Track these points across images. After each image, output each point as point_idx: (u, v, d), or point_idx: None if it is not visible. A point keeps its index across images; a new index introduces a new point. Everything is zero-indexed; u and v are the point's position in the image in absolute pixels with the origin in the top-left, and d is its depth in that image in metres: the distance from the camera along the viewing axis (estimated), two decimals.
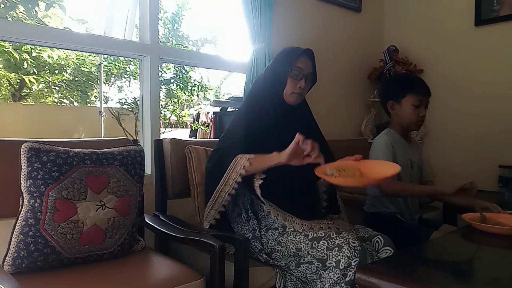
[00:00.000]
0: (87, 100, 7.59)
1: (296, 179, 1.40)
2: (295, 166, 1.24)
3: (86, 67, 6.86)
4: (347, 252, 1.21)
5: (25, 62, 6.15)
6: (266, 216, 1.42)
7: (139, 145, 1.46)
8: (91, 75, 6.95)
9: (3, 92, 6.68)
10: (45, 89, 7.18)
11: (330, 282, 1.22)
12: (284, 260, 1.35)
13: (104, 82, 6.51)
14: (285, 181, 1.38)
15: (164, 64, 5.58)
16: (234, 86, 8.64)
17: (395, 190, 1.66)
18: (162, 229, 1.42)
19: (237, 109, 2.74)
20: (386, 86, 1.90)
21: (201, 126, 6.17)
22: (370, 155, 1.79)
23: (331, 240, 1.26)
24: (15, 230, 1.14)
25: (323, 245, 1.26)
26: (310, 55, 1.46)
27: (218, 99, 4.06)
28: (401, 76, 1.85)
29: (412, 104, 1.74)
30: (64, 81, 6.99)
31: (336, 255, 1.22)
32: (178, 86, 6.98)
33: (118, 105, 6.40)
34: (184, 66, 6.62)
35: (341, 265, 1.20)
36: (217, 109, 3.10)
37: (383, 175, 1.20)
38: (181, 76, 6.96)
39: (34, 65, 6.36)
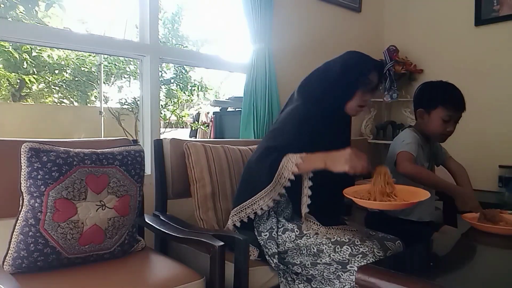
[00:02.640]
0: (87, 100, 7.60)
1: (333, 184, 1.33)
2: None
3: (86, 67, 6.87)
4: (372, 260, 1.21)
5: (25, 62, 6.15)
6: (284, 211, 1.39)
7: (139, 145, 1.46)
8: (91, 75, 6.96)
9: (3, 92, 6.68)
10: (45, 89, 7.18)
11: (351, 284, 1.21)
12: (299, 258, 1.33)
13: (104, 82, 6.52)
14: (323, 187, 1.33)
15: (164, 64, 5.58)
16: (234, 86, 8.64)
17: (411, 171, 1.58)
18: (162, 229, 1.42)
19: (237, 109, 2.74)
20: (420, 92, 1.79)
21: (201, 126, 6.17)
22: (393, 146, 1.74)
23: (355, 247, 1.25)
24: (15, 230, 1.14)
25: (347, 250, 1.25)
26: (382, 67, 1.44)
27: (218, 99, 4.06)
28: (438, 85, 1.74)
29: (441, 118, 1.67)
30: (64, 81, 7.00)
31: (360, 261, 1.22)
32: (178, 86, 6.99)
33: (118, 105, 6.41)
34: (184, 66, 6.62)
35: None
36: (217, 109, 3.10)
37: (415, 200, 1.19)
38: (181, 76, 6.98)
39: (34, 65, 6.37)
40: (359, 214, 1.92)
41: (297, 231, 1.34)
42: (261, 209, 1.31)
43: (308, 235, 1.32)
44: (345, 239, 1.28)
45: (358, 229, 1.41)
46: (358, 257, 1.22)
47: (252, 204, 1.33)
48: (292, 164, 1.23)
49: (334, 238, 1.29)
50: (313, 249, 1.30)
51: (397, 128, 2.91)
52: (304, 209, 1.31)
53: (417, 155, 1.69)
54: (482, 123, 2.60)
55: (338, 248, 1.26)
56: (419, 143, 1.73)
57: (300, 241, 1.33)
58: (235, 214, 1.38)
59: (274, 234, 1.38)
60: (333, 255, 1.26)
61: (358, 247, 1.24)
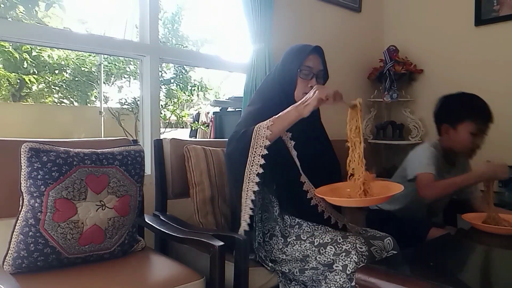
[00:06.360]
0: (87, 100, 7.59)
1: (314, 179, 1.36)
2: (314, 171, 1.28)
3: (86, 67, 6.86)
4: (355, 258, 1.20)
5: (25, 62, 6.15)
6: (271, 219, 1.40)
7: (139, 145, 1.46)
8: (91, 75, 6.95)
9: (3, 92, 6.68)
10: (45, 89, 7.18)
11: (336, 285, 1.21)
12: (288, 266, 1.34)
13: (104, 82, 6.51)
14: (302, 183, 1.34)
15: (164, 64, 5.59)
16: (234, 86, 8.64)
17: (433, 196, 1.56)
18: (162, 229, 1.42)
19: (237, 109, 2.74)
20: (443, 105, 1.71)
21: (201, 126, 6.17)
22: (409, 161, 1.69)
23: (338, 246, 1.24)
24: (15, 230, 1.14)
25: (330, 250, 1.25)
26: (319, 52, 1.42)
27: (218, 99, 4.07)
28: (461, 98, 1.65)
29: (469, 132, 1.60)
30: (64, 81, 6.99)
31: (344, 260, 1.21)
32: (178, 86, 6.99)
33: (118, 105, 6.40)
34: (184, 66, 6.62)
35: (348, 270, 1.19)
36: (217, 109, 3.11)
37: (385, 195, 1.18)
38: (181, 76, 6.98)
39: (34, 65, 6.37)
40: (360, 213, 1.92)
41: (281, 239, 1.36)
42: (253, 192, 1.25)
43: (293, 243, 1.33)
44: (328, 240, 1.28)
45: (347, 225, 1.41)
46: (342, 256, 1.22)
47: (246, 196, 1.27)
48: (263, 129, 1.23)
49: (317, 241, 1.29)
50: (299, 256, 1.30)
51: (397, 128, 2.91)
52: (293, 152, 1.31)
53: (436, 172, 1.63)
54: None
55: (322, 250, 1.26)
56: (437, 160, 1.65)
57: (287, 249, 1.33)
58: (243, 218, 1.30)
59: (259, 239, 1.40)
60: (319, 258, 1.26)
61: (341, 245, 1.24)
